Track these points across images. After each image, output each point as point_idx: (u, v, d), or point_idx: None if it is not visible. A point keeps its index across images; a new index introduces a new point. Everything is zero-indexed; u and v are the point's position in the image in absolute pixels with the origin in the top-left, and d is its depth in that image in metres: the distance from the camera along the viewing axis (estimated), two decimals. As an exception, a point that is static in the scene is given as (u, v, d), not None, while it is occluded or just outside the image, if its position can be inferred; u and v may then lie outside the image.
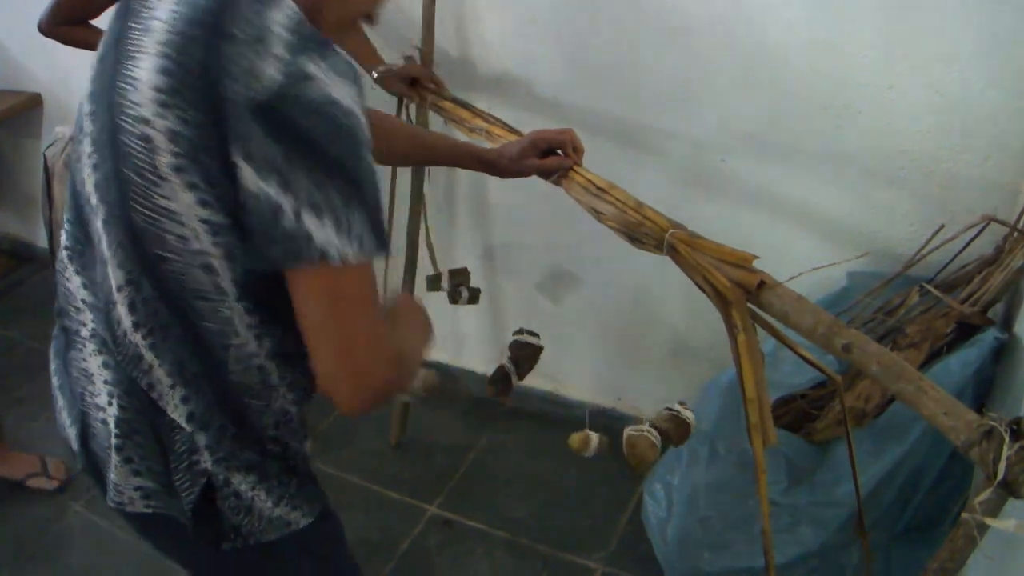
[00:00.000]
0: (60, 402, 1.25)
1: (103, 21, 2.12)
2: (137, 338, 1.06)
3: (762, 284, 1.25)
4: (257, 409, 1.11)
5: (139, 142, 0.96)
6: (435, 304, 2.75)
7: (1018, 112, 1.74)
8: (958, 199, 1.85)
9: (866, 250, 1.95)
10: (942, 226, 1.82)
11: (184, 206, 0.96)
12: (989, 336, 1.70)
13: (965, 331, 1.77)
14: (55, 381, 1.26)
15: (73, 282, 1.16)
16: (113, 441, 1.13)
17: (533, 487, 2.53)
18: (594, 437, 1.59)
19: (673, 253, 1.37)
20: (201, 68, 0.92)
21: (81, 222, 1.12)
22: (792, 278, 1.40)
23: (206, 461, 1.11)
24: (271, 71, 0.91)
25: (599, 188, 1.51)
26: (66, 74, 3.22)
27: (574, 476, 2.54)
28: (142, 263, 1.01)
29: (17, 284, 3.75)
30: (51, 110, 3.40)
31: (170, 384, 1.07)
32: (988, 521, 0.96)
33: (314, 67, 0.92)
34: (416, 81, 2.08)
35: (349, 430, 2.82)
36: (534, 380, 2.77)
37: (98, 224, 1.06)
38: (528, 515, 2.45)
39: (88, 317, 1.15)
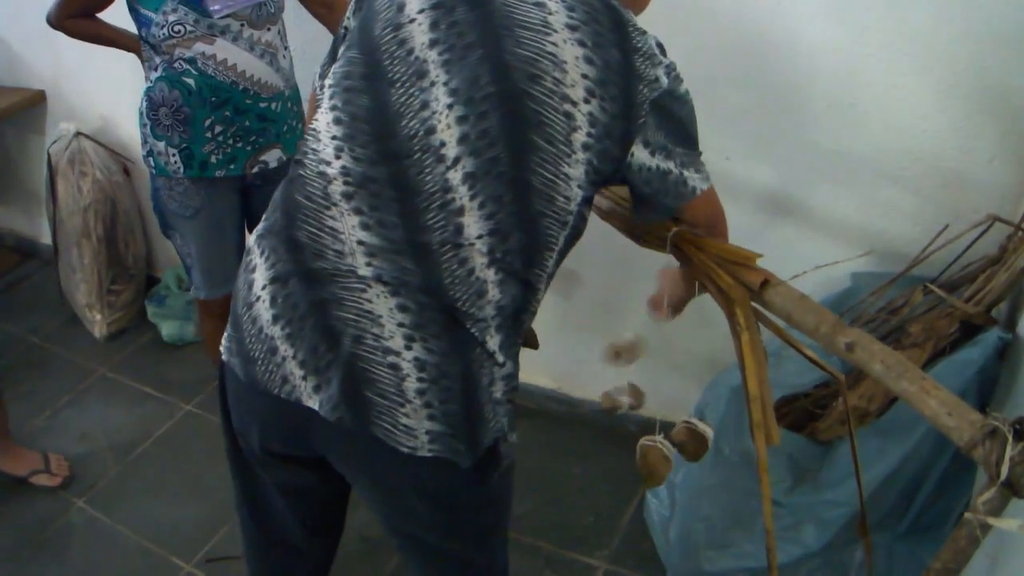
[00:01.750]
0: (287, 352, 1.20)
1: (109, 15, 2.15)
2: (488, 275, 1.15)
3: (765, 283, 1.24)
4: (516, 347, 1.26)
5: (560, 117, 1.12)
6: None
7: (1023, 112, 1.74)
8: (963, 199, 1.85)
9: (870, 248, 1.95)
10: (946, 226, 1.82)
11: (577, 176, 1.16)
12: (992, 336, 1.70)
13: (968, 331, 1.77)
14: (280, 330, 1.20)
15: (345, 222, 1.16)
16: (414, 385, 1.16)
17: (536, 484, 2.53)
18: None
19: (677, 252, 1.38)
20: (621, 71, 1.14)
21: (394, 167, 1.15)
22: (795, 276, 1.40)
23: (499, 390, 1.21)
24: (662, 76, 1.17)
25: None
26: (70, 71, 3.23)
27: (577, 474, 2.54)
28: (521, 217, 1.15)
29: (21, 280, 3.76)
30: (55, 107, 3.40)
31: (492, 315, 1.17)
32: (991, 521, 0.96)
33: (675, 66, 1.21)
34: None
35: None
36: (538, 378, 2.79)
37: (450, 175, 1.13)
38: (530, 512, 2.45)
39: (364, 261, 1.15)
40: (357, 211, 1.16)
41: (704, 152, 1.28)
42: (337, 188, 1.17)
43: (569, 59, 1.12)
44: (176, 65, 2.01)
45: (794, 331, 1.28)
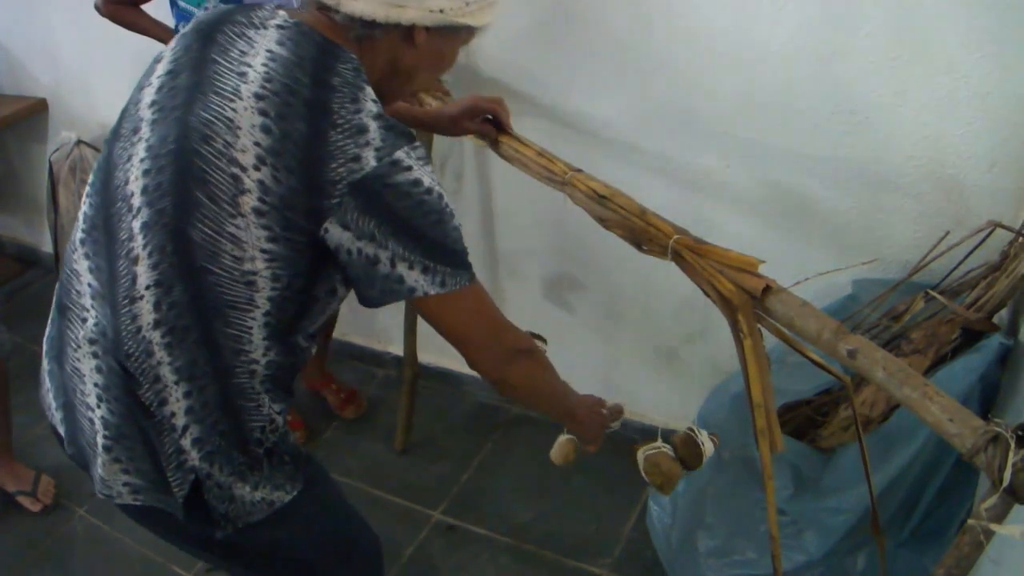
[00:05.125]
0: (47, 385, 1.35)
1: (152, 8, 2.24)
2: (155, 335, 1.16)
3: (767, 289, 1.24)
4: (249, 411, 1.23)
5: (226, 178, 1.11)
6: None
7: (1024, 118, 1.74)
8: (964, 205, 1.85)
9: (872, 256, 1.95)
10: (947, 232, 1.82)
11: (252, 238, 1.12)
12: (994, 342, 1.69)
13: (970, 337, 1.76)
14: (45, 364, 1.35)
15: (81, 265, 1.25)
16: (101, 441, 1.23)
17: (538, 493, 2.53)
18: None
19: (678, 259, 1.37)
20: (305, 143, 1.10)
21: (107, 213, 1.21)
22: (797, 283, 1.40)
23: (193, 458, 1.21)
24: (369, 158, 1.10)
25: (601, 196, 1.51)
26: (71, 80, 3.24)
27: (579, 482, 2.54)
28: (182, 270, 1.14)
29: (22, 288, 3.77)
30: (56, 115, 3.41)
31: (175, 380, 1.17)
32: (994, 527, 0.96)
33: (403, 155, 1.12)
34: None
35: (354, 436, 2.82)
36: (539, 386, 2.79)
37: (134, 223, 1.16)
38: (533, 521, 2.45)
39: (90, 304, 1.23)
40: (87, 256, 1.25)
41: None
42: (77, 233, 1.27)
43: (244, 125, 1.11)
44: None
45: (796, 338, 1.28)
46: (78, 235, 1.27)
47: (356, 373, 3.10)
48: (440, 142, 2.38)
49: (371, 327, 3.10)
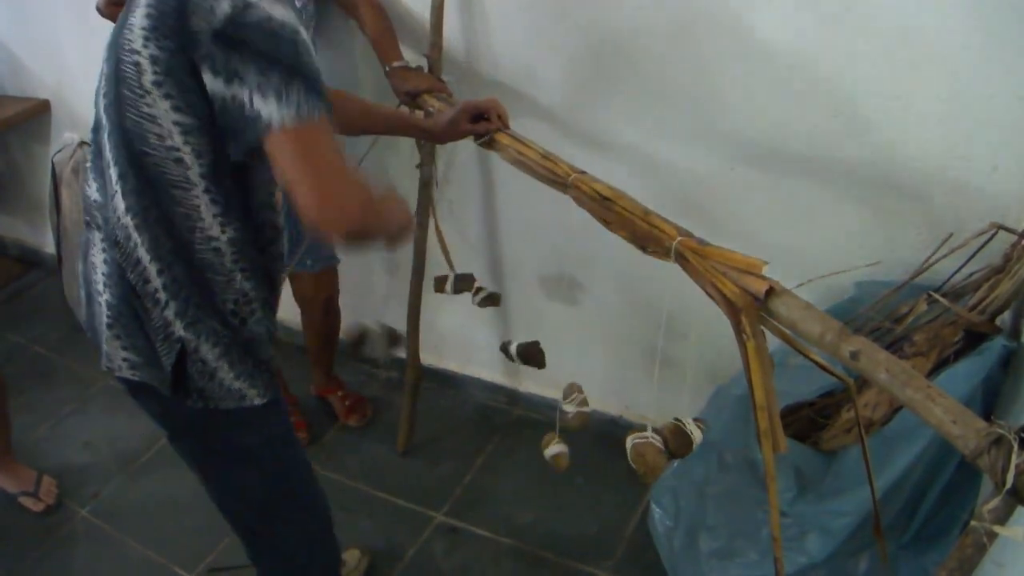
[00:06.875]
0: (78, 282, 1.58)
1: None
2: (128, 220, 1.37)
3: (771, 291, 1.24)
4: (219, 284, 1.42)
5: (132, 67, 1.29)
6: (444, 312, 2.77)
7: (1026, 120, 1.74)
8: (966, 207, 1.85)
9: (875, 258, 1.95)
10: (950, 234, 1.82)
11: (162, 112, 1.29)
12: (997, 344, 1.69)
13: (973, 339, 1.77)
14: (79, 267, 1.57)
15: (91, 187, 1.47)
16: (105, 320, 1.47)
17: (540, 494, 2.53)
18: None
19: (681, 260, 1.37)
20: (173, 11, 1.25)
21: (97, 141, 1.43)
22: (800, 285, 1.40)
23: (179, 329, 1.42)
24: (224, 5, 1.23)
25: (605, 197, 1.51)
26: (74, 81, 3.24)
27: (581, 484, 2.54)
28: (130, 159, 1.34)
29: (25, 289, 3.77)
30: (59, 116, 3.41)
31: (148, 259, 1.38)
32: (997, 529, 0.96)
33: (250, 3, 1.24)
34: (418, 95, 2.11)
35: (356, 437, 2.83)
36: (541, 388, 2.79)
37: (105, 136, 1.39)
38: (534, 522, 2.45)
39: (99, 215, 1.46)
40: (94, 179, 1.47)
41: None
42: (88, 165, 1.49)
43: (136, 21, 1.29)
44: None
45: (799, 340, 1.27)
46: (87, 165, 1.49)
47: (358, 375, 3.10)
48: (443, 145, 2.38)
49: (373, 329, 3.10)
